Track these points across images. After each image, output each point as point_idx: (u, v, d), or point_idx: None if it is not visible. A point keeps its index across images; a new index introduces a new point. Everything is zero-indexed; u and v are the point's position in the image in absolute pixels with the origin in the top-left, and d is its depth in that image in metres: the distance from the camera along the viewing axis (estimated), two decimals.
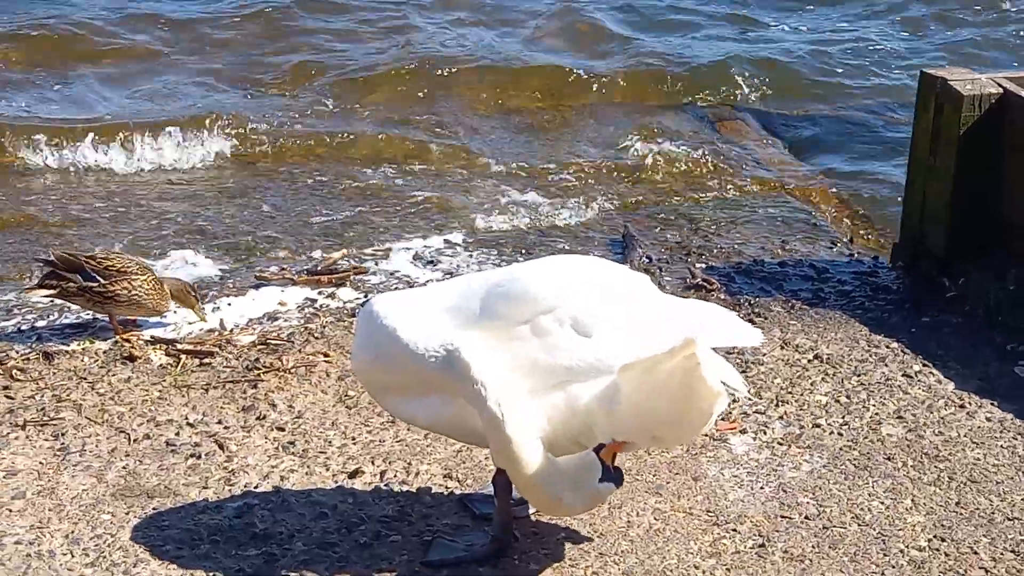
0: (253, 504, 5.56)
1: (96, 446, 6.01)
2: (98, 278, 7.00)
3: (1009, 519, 5.61)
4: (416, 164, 10.22)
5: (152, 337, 7.13)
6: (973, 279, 7.69)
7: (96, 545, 5.25)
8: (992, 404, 6.56)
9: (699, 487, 5.78)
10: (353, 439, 6.11)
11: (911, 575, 5.23)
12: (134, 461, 5.89)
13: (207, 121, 10.54)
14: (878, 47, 13.56)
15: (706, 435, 6.08)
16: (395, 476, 5.80)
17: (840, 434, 6.26)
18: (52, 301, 7.38)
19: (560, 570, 5.16)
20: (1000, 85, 7.69)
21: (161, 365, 6.83)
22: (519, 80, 12.04)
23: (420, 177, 9.97)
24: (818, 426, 6.32)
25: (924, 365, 6.95)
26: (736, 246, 8.78)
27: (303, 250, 8.53)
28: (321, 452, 5.99)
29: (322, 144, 10.50)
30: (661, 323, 4.89)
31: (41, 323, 7.36)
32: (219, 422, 6.24)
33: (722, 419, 6.23)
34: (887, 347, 7.15)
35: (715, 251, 8.66)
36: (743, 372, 6.66)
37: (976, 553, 5.38)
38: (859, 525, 5.54)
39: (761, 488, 5.79)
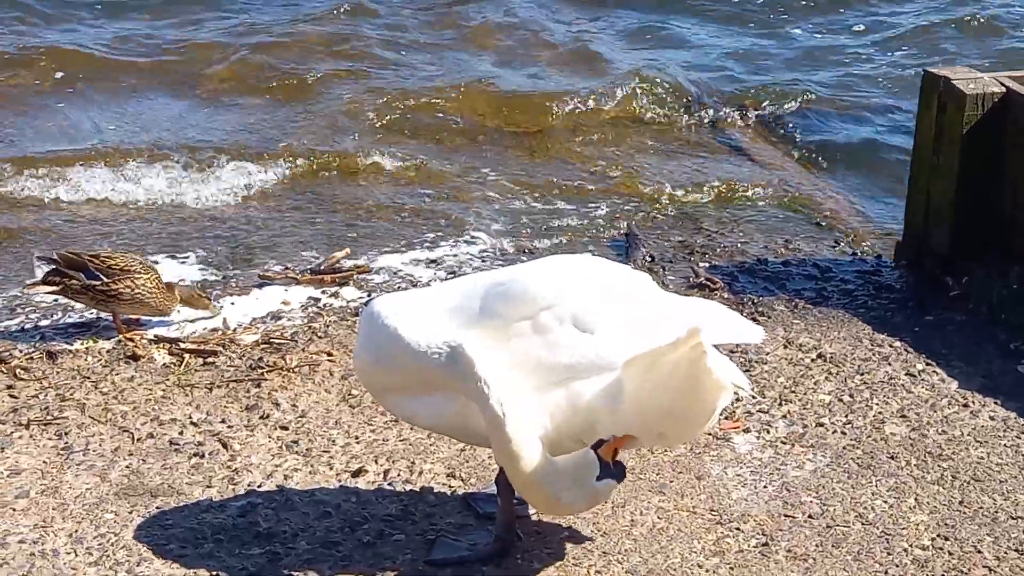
0: (257, 503, 5.56)
1: (100, 445, 6.01)
2: (101, 276, 7.00)
3: (1013, 518, 5.61)
4: (419, 167, 10.18)
5: (155, 336, 7.14)
6: (976, 277, 7.69)
7: (100, 544, 5.26)
8: (995, 403, 6.56)
9: (702, 486, 5.78)
10: (356, 438, 6.11)
11: (915, 574, 5.23)
12: (138, 460, 5.90)
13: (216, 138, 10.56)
14: (880, 45, 13.55)
15: (709, 434, 6.09)
16: (398, 475, 5.80)
17: (843, 433, 6.26)
18: (56, 300, 7.40)
19: (563, 569, 5.17)
20: (1003, 84, 7.69)
21: (165, 364, 6.83)
22: (520, 88, 12.06)
23: (423, 179, 9.95)
24: (821, 425, 6.32)
25: (927, 364, 6.95)
26: (739, 245, 8.77)
27: (306, 250, 8.52)
28: (324, 451, 6.00)
29: (326, 149, 10.48)
30: (662, 321, 4.89)
31: (45, 322, 7.36)
32: (223, 421, 6.25)
33: (725, 418, 6.24)
34: (890, 346, 7.15)
35: (718, 250, 8.66)
36: (746, 371, 6.67)
37: (980, 552, 5.38)
38: (862, 524, 5.54)
39: (764, 487, 5.79)
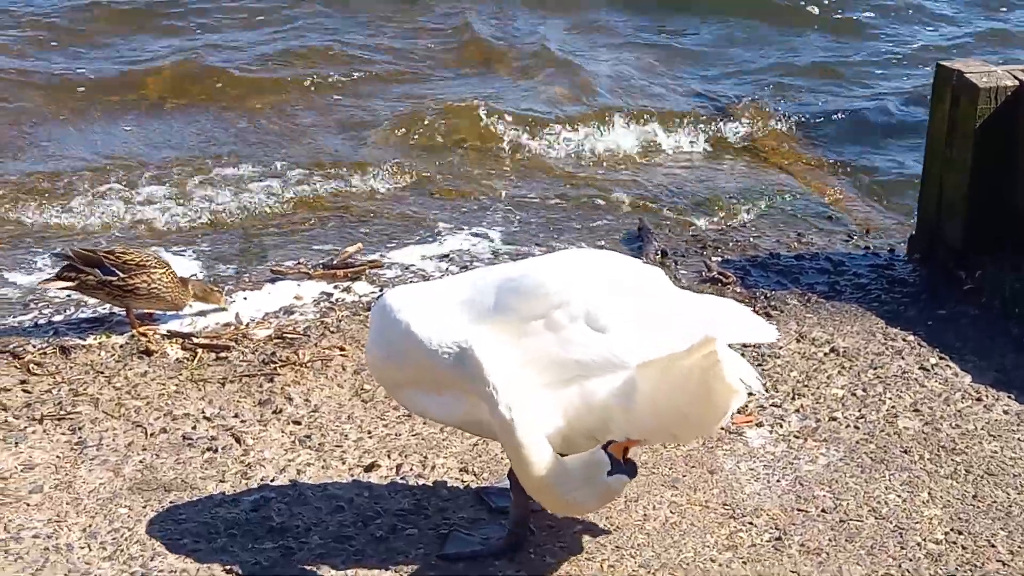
0: (270, 498, 5.57)
1: (113, 440, 6.02)
2: (117, 272, 7.02)
3: None
4: (429, 162, 10.18)
5: (168, 331, 7.15)
6: (989, 271, 7.68)
7: (113, 539, 5.27)
8: (1009, 397, 6.54)
9: (715, 480, 5.77)
10: (369, 433, 6.11)
11: (928, 568, 5.22)
12: (151, 455, 5.90)
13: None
14: (893, 38, 13.53)
15: (722, 429, 6.07)
16: (411, 470, 5.80)
17: (856, 427, 6.25)
18: (69, 295, 7.42)
19: (576, 563, 5.16)
20: (1016, 77, 7.67)
21: (177, 359, 6.84)
22: (531, 77, 12.08)
23: (434, 174, 9.94)
24: (834, 419, 6.31)
25: (941, 358, 6.93)
26: (752, 239, 8.77)
27: (319, 245, 8.53)
28: (337, 446, 6.00)
29: (335, 135, 10.50)
30: (674, 318, 4.88)
31: (58, 317, 7.37)
32: (235, 416, 6.26)
33: (738, 413, 6.22)
34: (903, 340, 7.14)
35: (731, 244, 8.65)
36: (759, 365, 6.67)
37: (993, 546, 5.37)
38: (876, 518, 5.53)
39: (777, 481, 5.78)
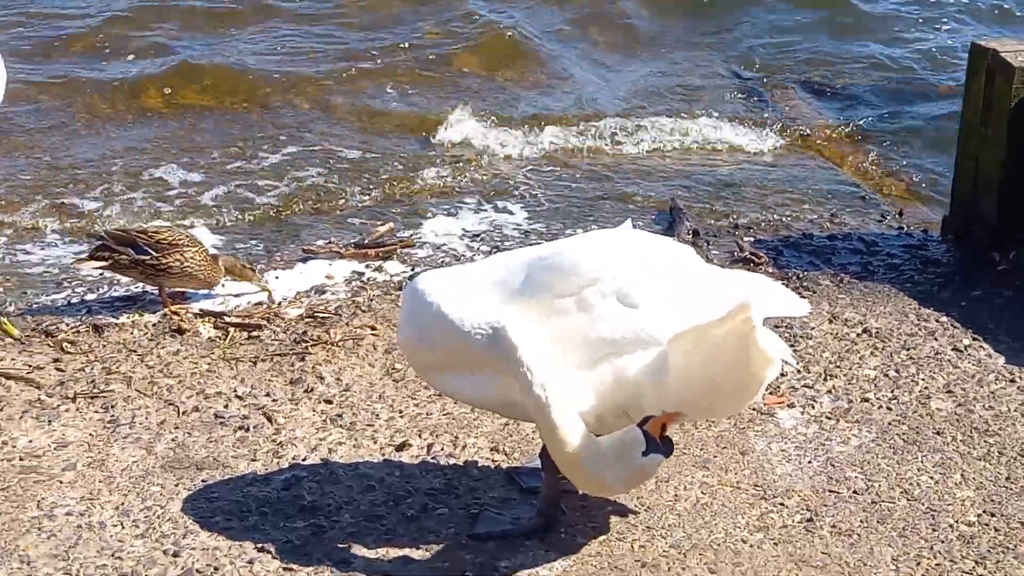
0: (301, 476, 5.58)
1: (146, 418, 6.05)
2: (150, 251, 7.04)
3: None
4: (461, 143, 10.18)
5: (201, 310, 7.17)
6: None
7: (146, 517, 5.29)
8: None
9: (746, 461, 5.76)
10: (400, 412, 6.12)
11: (960, 550, 5.20)
12: (183, 433, 5.93)
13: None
14: (926, 17, 13.43)
15: (754, 409, 6.07)
16: (442, 449, 5.81)
17: (889, 408, 6.22)
18: (101, 274, 7.45)
19: (607, 543, 5.16)
20: None
21: (210, 338, 6.86)
22: (564, 45, 12.07)
23: (466, 155, 9.93)
24: (867, 400, 6.29)
25: (974, 339, 6.90)
26: (784, 219, 8.74)
27: (350, 223, 8.55)
28: (368, 425, 6.01)
29: (368, 117, 10.50)
30: (707, 294, 4.88)
31: (91, 296, 7.41)
32: (267, 395, 6.27)
33: (770, 393, 6.21)
34: (936, 321, 7.10)
35: (763, 224, 8.63)
36: (792, 346, 6.63)
37: None
38: (908, 500, 5.51)
39: (809, 462, 5.77)
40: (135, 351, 6.69)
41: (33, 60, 11.13)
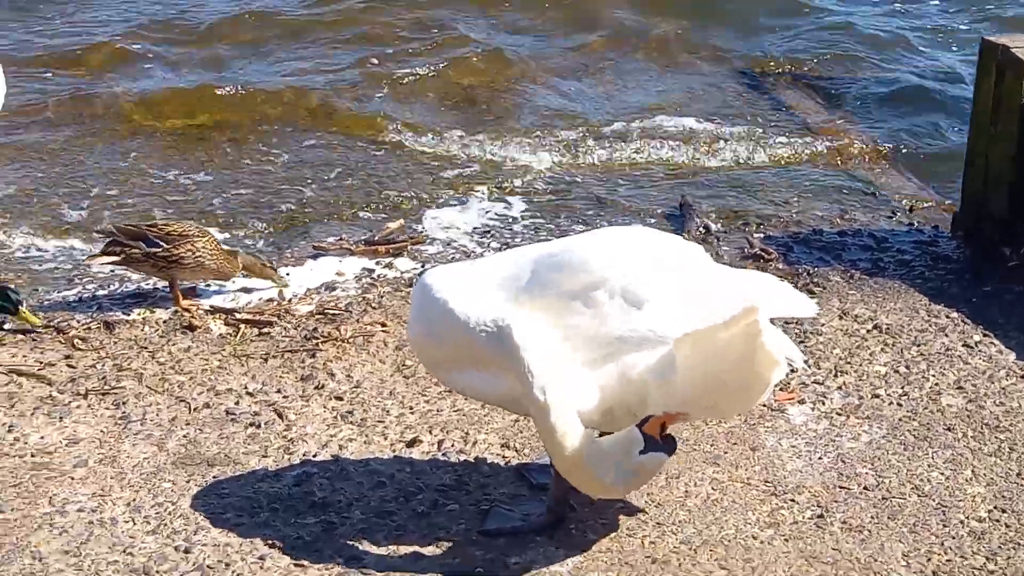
0: (312, 473, 5.59)
1: (157, 415, 6.06)
2: (161, 243, 7.05)
3: None
4: (473, 135, 10.20)
5: (212, 307, 7.18)
6: None
7: (157, 513, 5.30)
8: None
9: (757, 457, 5.76)
10: (411, 408, 6.13)
11: (971, 546, 5.20)
12: (194, 430, 5.94)
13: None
14: (935, 12, 13.42)
15: (764, 405, 6.06)
16: (452, 445, 5.82)
17: (899, 405, 6.22)
18: (112, 271, 7.47)
19: (617, 540, 5.17)
20: None
21: (220, 334, 6.87)
22: (575, 48, 12.07)
23: (477, 153, 9.93)
24: (877, 396, 6.29)
25: (985, 335, 6.89)
26: (794, 216, 8.73)
27: (360, 221, 8.55)
28: (379, 421, 6.02)
29: (379, 115, 10.50)
30: (714, 293, 4.88)
31: (102, 293, 7.42)
32: (278, 391, 6.28)
33: (780, 389, 6.21)
34: (947, 317, 7.09)
35: (773, 221, 8.62)
36: (801, 342, 6.65)
37: None
38: (919, 496, 5.51)
39: (819, 459, 5.77)
40: (146, 348, 6.71)
41: (45, 69, 11.09)
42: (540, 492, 5.42)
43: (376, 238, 8.10)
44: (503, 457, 5.74)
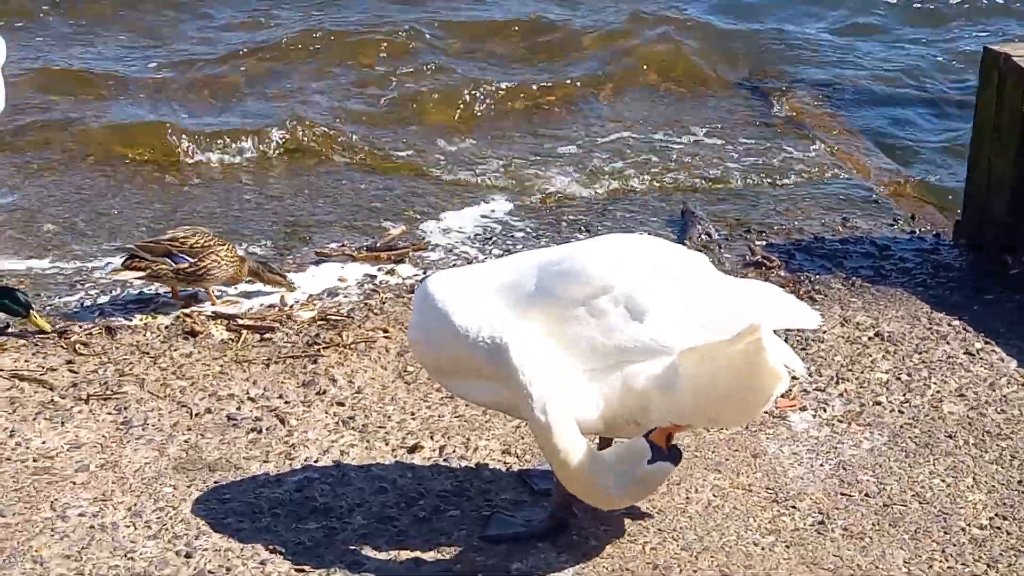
0: (313, 478, 5.60)
1: (158, 420, 6.07)
2: (187, 258, 7.07)
3: None
4: (474, 138, 10.23)
5: (213, 312, 7.18)
6: None
7: (158, 518, 5.30)
8: None
9: (758, 464, 5.76)
10: (412, 414, 6.13)
11: (972, 553, 5.19)
12: (196, 435, 5.94)
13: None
14: (937, 21, 13.45)
15: (766, 412, 6.05)
16: (454, 451, 5.82)
17: (901, 412, 6.22)
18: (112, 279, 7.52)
19: (619, 546, 5.17)
20: None
21: (222, 340, 6.88)
22: (574, 53, 12.09)
23: (478, 158, 9.96)
24: (878, 404, 6.29)
25: (986, 343, 6.89)
26: (796, 223, 8.73)
27: (362, 227, 8.57)
28: (380, 427, 6.02)
29: (379, 119, 10.52)
30: (717, 303, 4.87)
31: (103, 298, 7.43)
32: (280, 397, 6.29)
33: (782, 397, 6.21)
34: (948, 325, 7.09)
35: (775, 228, 8.62)
36: (803, 349, 6.65)
37: None
38: (920, 503, 5.51)
39: (821, 465, 5.77)
40: (148, 353, 6.71)
41: (58, 87, 11.08)
42: (542, 498, 5.42)
43: (378, 244, 8.11)
44: (504, 463, 5.74)
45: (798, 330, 6.79)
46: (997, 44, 8.15)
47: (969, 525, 5.37)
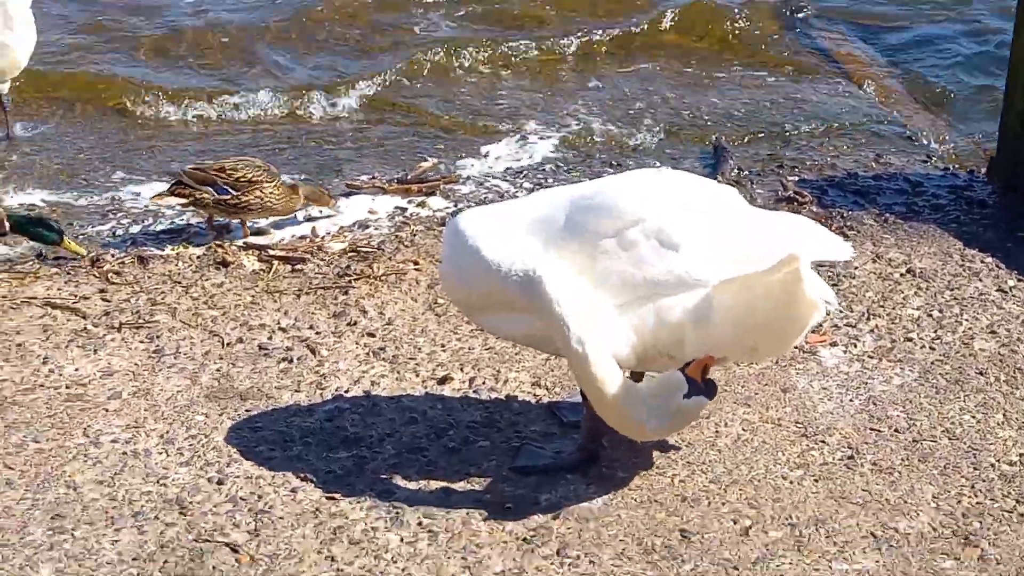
0: (344, 408, 5.62)
1: (190, 349, 6.10)
2: (230, 190, 7.09)
3: None
4: (507, 72, 10.20)
5: (245, 243, 7.20)
6: None
7: (190, 445, 5.34)
8: None
9: (788, 399, 5.76)
10: (442, 346, 6.15)
11: (1001, 489, 5.19)
12: (227, 364, 5.97)
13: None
14: None
15: (796, 347, 6.04)
16: (484, 383, 5.83)
17: (932, 348, 6.20)
18: (145, 206, 7.53)
19: (647, 478, 5.18)
20: None
21: (254, 270, 6.90)
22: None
23: (511, 87, 9.95)
24: (909, 340, 6.27)
25: (1019, 280, 6.85)
26: (829, 159, 8.68)
27: (393, 159, 8.56)
28: (411, 358, 6.04)
29: (416, 52, 10.49)
30: (750, 236, 4.85)
31: (135, 228, 7.46)
32: (311, 327, 6.31)
33: (813, 332, 6.19)
34: (981, 262, 7.06)
35: (807, 164, 8.58)
36: (835, 285, 6.63)
37: None
38: (949, 439, 5.50)
39: (851, 401, 5.76)
40: (180, 283, 6.74)
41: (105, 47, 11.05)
42: (571, 430, 5.43)
43: (409, 177, 8.09)
44: (534, 395, 5.76)
45: (830, 265, 6.77)
46: None
47: (999, 461, 5.36)
